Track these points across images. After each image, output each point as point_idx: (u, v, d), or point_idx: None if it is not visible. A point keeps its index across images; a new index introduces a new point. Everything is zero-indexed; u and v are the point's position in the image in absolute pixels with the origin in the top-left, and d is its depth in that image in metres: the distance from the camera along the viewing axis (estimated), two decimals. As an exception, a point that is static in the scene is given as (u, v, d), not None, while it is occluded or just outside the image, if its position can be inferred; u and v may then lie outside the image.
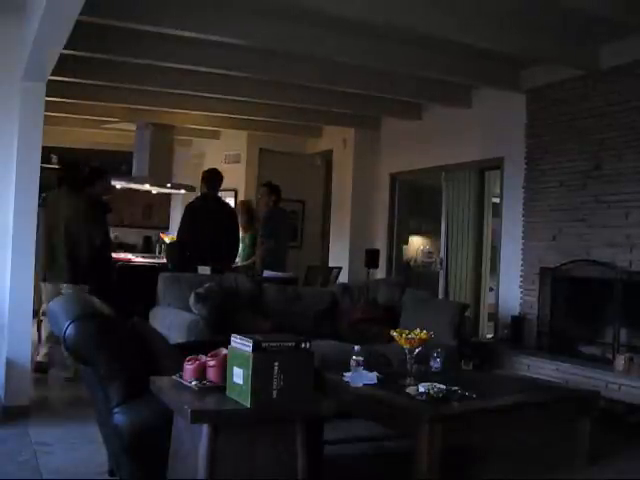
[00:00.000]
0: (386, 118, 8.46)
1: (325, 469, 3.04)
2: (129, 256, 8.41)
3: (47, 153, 8.89)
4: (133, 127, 8.94)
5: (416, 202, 9.02)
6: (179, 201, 10.55)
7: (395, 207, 8.45)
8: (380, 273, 8.18)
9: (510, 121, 6.54)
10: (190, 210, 6.46)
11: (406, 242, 9.43)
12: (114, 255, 8.16)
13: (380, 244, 8.40)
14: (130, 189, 9.03)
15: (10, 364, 4.35)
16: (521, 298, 6.25)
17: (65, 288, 5.22)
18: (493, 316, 6.88)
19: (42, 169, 4.51)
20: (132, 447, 2.69)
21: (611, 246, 5.35)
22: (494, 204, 7.32)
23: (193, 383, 2.52)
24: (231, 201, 9.09)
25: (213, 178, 6.57)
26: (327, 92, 7.01)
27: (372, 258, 8.01)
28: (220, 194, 7.02)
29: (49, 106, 4.75)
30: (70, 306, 2.98)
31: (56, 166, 9.42)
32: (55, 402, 4.72)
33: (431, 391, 3.36)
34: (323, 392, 2.82)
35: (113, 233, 7.90)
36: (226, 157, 9.81)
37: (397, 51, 5.67)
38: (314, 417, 2.70)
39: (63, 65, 4.58)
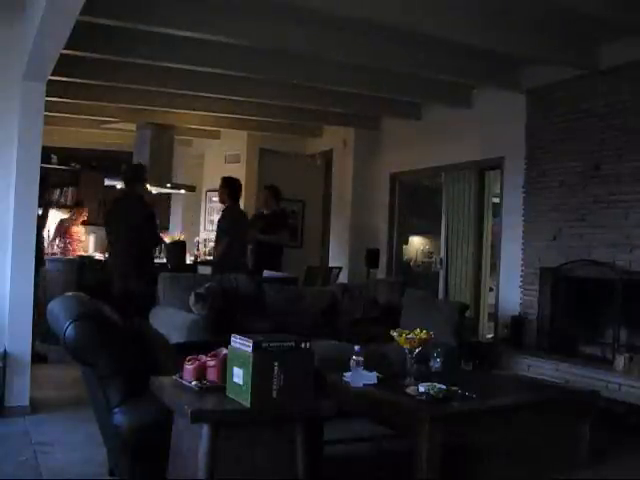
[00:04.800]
0: (386, 118, 8.45)
1: (325, 469, 3.04)
2: None
3: (47, 153, 8.90)
4: (133, 127, 8.93)
5: (416, 202, 9.02)
6: (179, 201, 10.56)
7: (395, 207, 8.44)
8: (380, 273, 8.17)
9: (510, 121, 6.53)
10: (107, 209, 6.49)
11: (406, 242, 9.42)
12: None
13: (380, 244, 8.39)
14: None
15: (10, 363, 4.36)
16: (521, 298, 6.24)
17: None
18: (493, 316, 6.88)
19: (42, 169, 4.52)
20: (132, 447, 2.69)
21: (611, 246, 5.35)
22: (494, 204, 7.31)
23: (193, 383, 2.52)
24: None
25: (134, 175, 6.44)
26: (327, 92, 6.99)
27: (372, 258, 8.00)
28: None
29: (49, 106, 4.76)
30: (70, 306, 2.97)
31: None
32: (55, 402, 4.72)
33: (431, 391, 3.37)
34: (323, 392, 2.82)
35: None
36: (226, 157, 9.80)
37: (397, 51, 5.66)
38: (314, 417, 2.70)
39: (63, 65, 4.58)
